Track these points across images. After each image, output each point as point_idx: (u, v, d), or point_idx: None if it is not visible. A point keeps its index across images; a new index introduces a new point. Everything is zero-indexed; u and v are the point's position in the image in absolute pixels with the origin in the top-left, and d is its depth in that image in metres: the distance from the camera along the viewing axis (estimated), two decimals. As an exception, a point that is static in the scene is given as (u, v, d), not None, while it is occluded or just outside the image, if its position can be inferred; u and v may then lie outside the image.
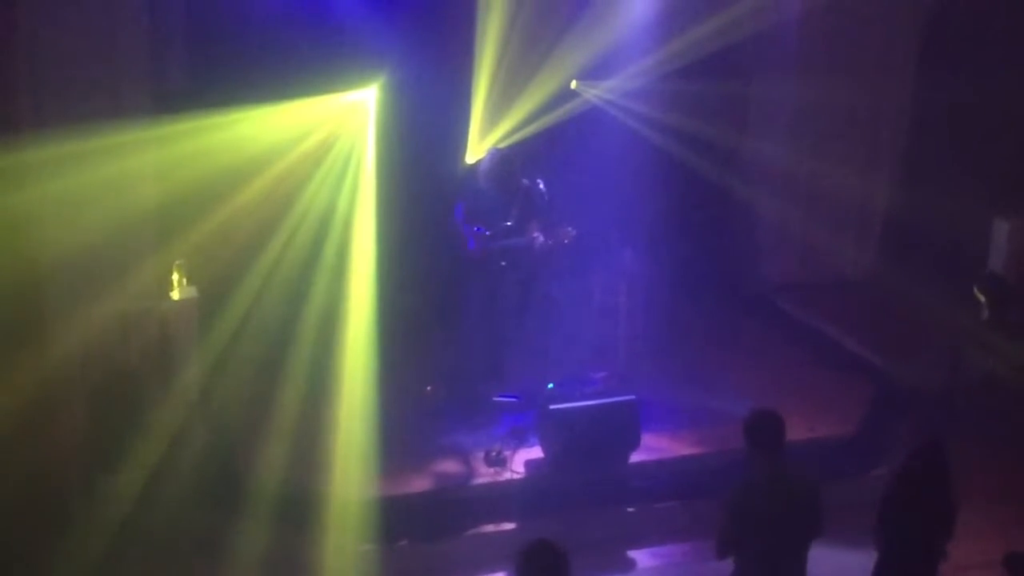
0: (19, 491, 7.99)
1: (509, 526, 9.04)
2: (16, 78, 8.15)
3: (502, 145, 10.72)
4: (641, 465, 9.62)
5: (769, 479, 6.62)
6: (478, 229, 10.07)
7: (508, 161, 10.18)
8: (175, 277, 9.09)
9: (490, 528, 9.04)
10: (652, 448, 9.78)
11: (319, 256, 10.14)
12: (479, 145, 11.04)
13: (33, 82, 8.18)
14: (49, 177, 8.05)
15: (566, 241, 10.17)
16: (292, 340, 9.81)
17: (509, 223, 10.12)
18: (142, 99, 8.73)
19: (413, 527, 8.90)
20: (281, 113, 9.60)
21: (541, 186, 10.27)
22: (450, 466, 9.65)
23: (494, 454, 9.58)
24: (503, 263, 10.16)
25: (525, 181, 10.22)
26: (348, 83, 10.23)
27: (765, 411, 6.73)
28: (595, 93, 11.78)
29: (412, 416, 10.18)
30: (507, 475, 9.49)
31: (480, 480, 9.46)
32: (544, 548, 5.71)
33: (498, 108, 11.26)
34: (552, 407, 9.49)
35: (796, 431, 9.64)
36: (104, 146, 8.12)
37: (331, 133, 10.29)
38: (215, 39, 9.76)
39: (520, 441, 9.81)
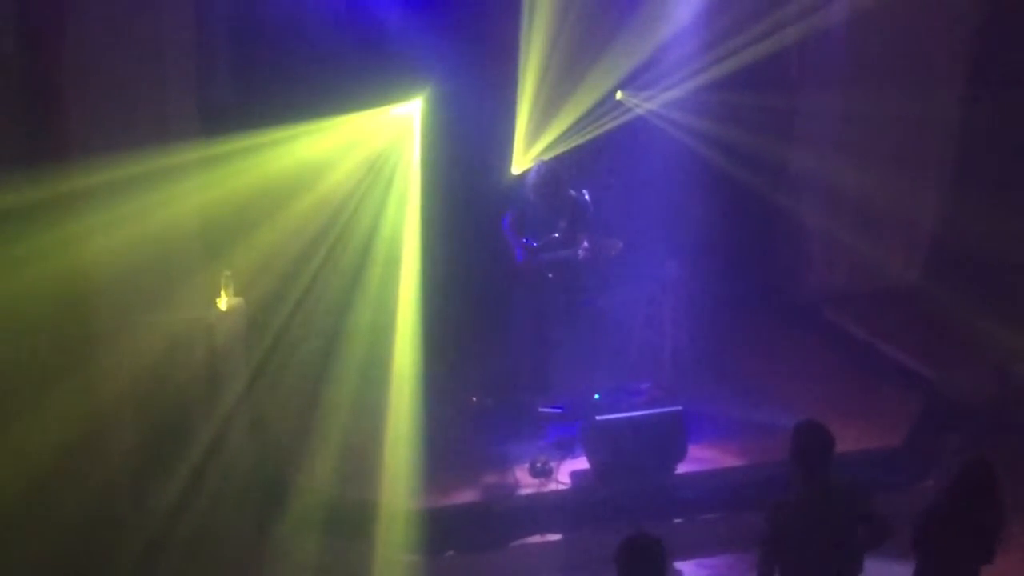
0: (72, 504, 8.07)
1: (555, 537, 9.05)
2: (65, 106, 8.26)
3: (548, 157, 10.73)
4: (687, 476, 9.60)
5: (810, 495, 6.54)
6: (526, 241, 10.11)
7: (555, 173, 10.20)
8: (222, 289, 9.17)
9: (535, 539, 9.04)
10: (698, 459, 9.77)
11: (367, 268, 10.19)
12: (524, 156, 11.05)
13: (82, 109, 8.29)
14: (98, 200, 8.14)
15: (613, 253, 10.18)
16: (340, 351, 9.87)
17: (556, 235, 10.15)
18: (189, 122, 8.84)
19: (459, 538, 8.93)
20: (328, 128, 9.67)
21: (587, 197, 10.29)
22: (496, 477, 9.68)
23: (540, 465, 9.59)
24: (550, 274, 10.19)
25: (572, 193, 10.25)
26: (394, 96, 10.29)
27: (813, 424, 6.63)
28: (640, 104, 11.76)
29: (458, 427, 10.22)
30: (552, 486, 9.51)
31: (526, 491, 9.49)
32: (647, 542, 5.71)
33: (543, 119, 11.27)
34: (598, 418, 9.50)
35: (843, 442, 9.71)
36: (152, 169, 8.23)
37: (377, 146, 10.34)
38: (260, 58, 9.84)
39: (566, 452, 9.83)
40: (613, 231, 10.35)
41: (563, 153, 11.00)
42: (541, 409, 10.41)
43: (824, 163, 12.34)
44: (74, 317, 8.29)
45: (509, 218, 10.28)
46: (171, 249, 8.68)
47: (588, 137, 11.34)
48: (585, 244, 10.06)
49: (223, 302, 9.16)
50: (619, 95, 11.68)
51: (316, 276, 9.97)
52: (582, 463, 9.66)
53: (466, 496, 9.41)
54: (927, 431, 10.21)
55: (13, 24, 8.10)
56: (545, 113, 11.26)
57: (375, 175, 10.38)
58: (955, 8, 12.53)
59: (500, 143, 11.08)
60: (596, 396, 10.45)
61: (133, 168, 8.14)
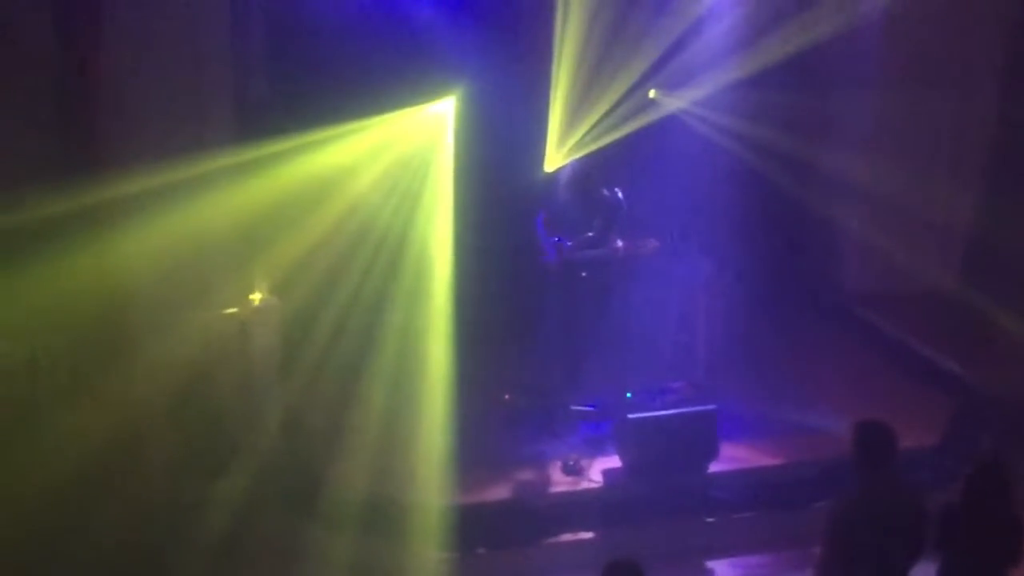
0: (109, 501, 8.14)
1: (586, 535, 9.06)
2: (102, 112, 8.34)
3: (581, 155, 10.72)
4: (719, 475, 9.58)
5: (872, 495, 6.42)
6: (559, 239, 10.11)
7: (589, 172, 10.21)
8: (256, 287, 9.23)
9: (567, 537, 9.04)
10: (731, 458, 9.75)
11: (400, 267, 10.22)
12: (557, 154, 11.04)
13: (119, 115, 8.38)
14: (137, 204, 8.23)
15: (647, 252, 10.17)
16: (373, 350, 9.90)
17: (590, 234, 10.14)
18: (226, 126, 8.91)
19: (491, 535, 8.95)
20: (362, 129, 9.72)
21: (620, 196, 10.27)
22: (527, 475, 9.69)
23: (571, 463, 9.60)
24: (584, 273, 10.18)
25: (605, 191, 10.23)
26: (427, 95, 10.32)
27: (875, 421, 6.54)
28: (674, 102, 11.72)
29: (490, 425, 10.23)
30: (584, 484, 9.51)
31: (557, 489, 9.49)
32: (625, 566, 5.69)
33: (576, 117, 11.25)
34: (630, 416, 9.49)
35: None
36: (189, 173, 8.30)
37: (411, 145, 10.36)
38: (295, 62, 9.90)
39: (597, 450, 9.83)
40: (647, 229, 10.34)
41: (596, 151, 10.97)
42: (573, 407, 10.40)
43: (858, 163, 12.26)
44: (113, 318, 8.37)
45: (542, 217, 10.28)
46: (208, 250, 8.77)
47: (621, 135, 11.30)
48: (620, 243, 10.07)
49: (257, 299, 9.24)
50: (653, 93, 11.64)
51: (350, 275, 10.01)
52: (614, 461, 9.66)
53: (498, 494, 9.41)
54: (963, 430, 10.16)
55: (49, 31, 8.17)
56: (578, 111, 11.23)
57: (409, 174, 10.41)
58: (991, 6, 12.42)
59: (533, 141, 11.04)
60: (628, 395, 10.44)
61: (171, 172, 8.22)
